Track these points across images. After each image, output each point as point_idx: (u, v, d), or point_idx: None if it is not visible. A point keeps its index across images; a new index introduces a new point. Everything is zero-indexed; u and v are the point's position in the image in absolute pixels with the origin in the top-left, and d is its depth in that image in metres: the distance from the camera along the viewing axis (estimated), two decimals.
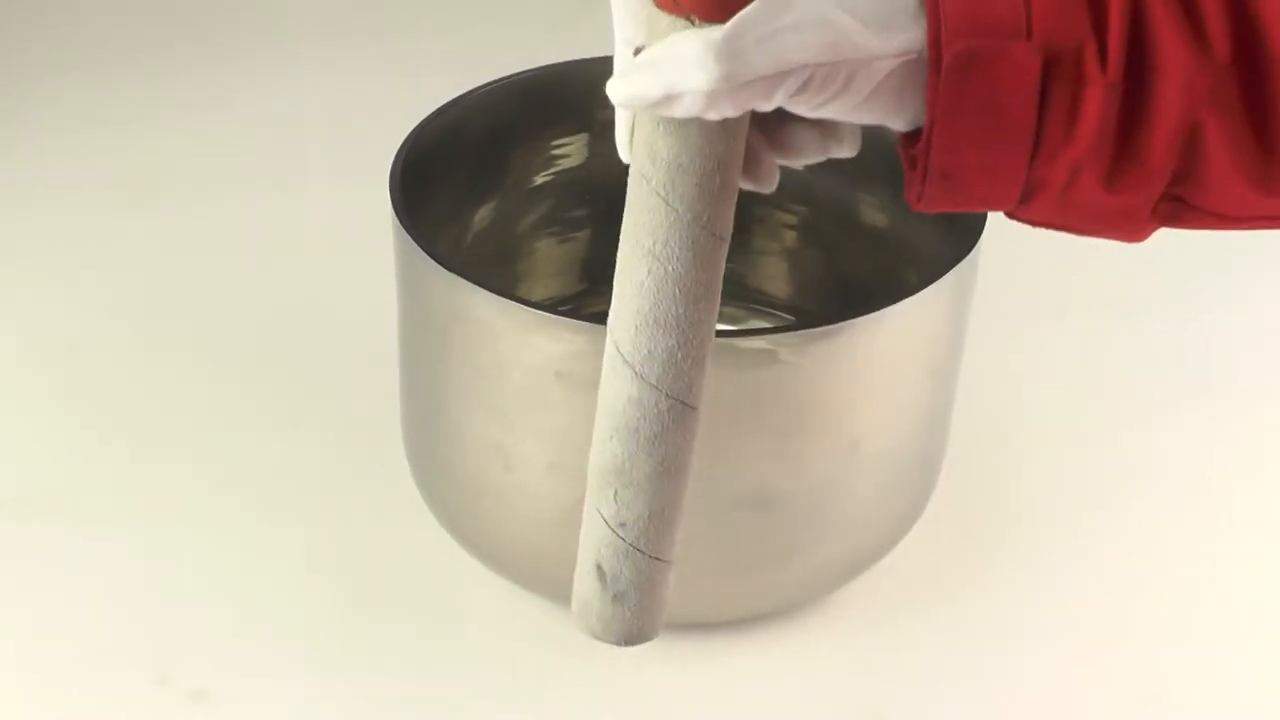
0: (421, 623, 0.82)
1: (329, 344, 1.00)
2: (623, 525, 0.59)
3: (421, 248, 0.73)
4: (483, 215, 0.89)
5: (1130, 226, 0.56)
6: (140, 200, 1.15)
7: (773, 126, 0.56)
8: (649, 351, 0.56)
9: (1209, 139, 0.53)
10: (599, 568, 0.60)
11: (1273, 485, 0.94)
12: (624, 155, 0.57)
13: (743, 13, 0.51)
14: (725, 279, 0.93)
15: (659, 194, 0.55)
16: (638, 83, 0.52)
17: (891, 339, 0.73)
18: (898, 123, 0.54)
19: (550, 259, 0.93)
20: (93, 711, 0.77)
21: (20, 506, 0.88)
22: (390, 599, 0.83)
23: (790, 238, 0.93)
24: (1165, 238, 1.22)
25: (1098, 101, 0.52)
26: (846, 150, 0.57)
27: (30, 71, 1.29)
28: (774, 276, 0.95)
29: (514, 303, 0.70)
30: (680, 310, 0.56)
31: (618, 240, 0.92)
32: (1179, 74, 0.52)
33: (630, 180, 0.56)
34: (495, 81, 0.85)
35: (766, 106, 0.52)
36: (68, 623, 0.82)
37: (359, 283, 0.93)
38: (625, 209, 0.56)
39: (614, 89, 0.52)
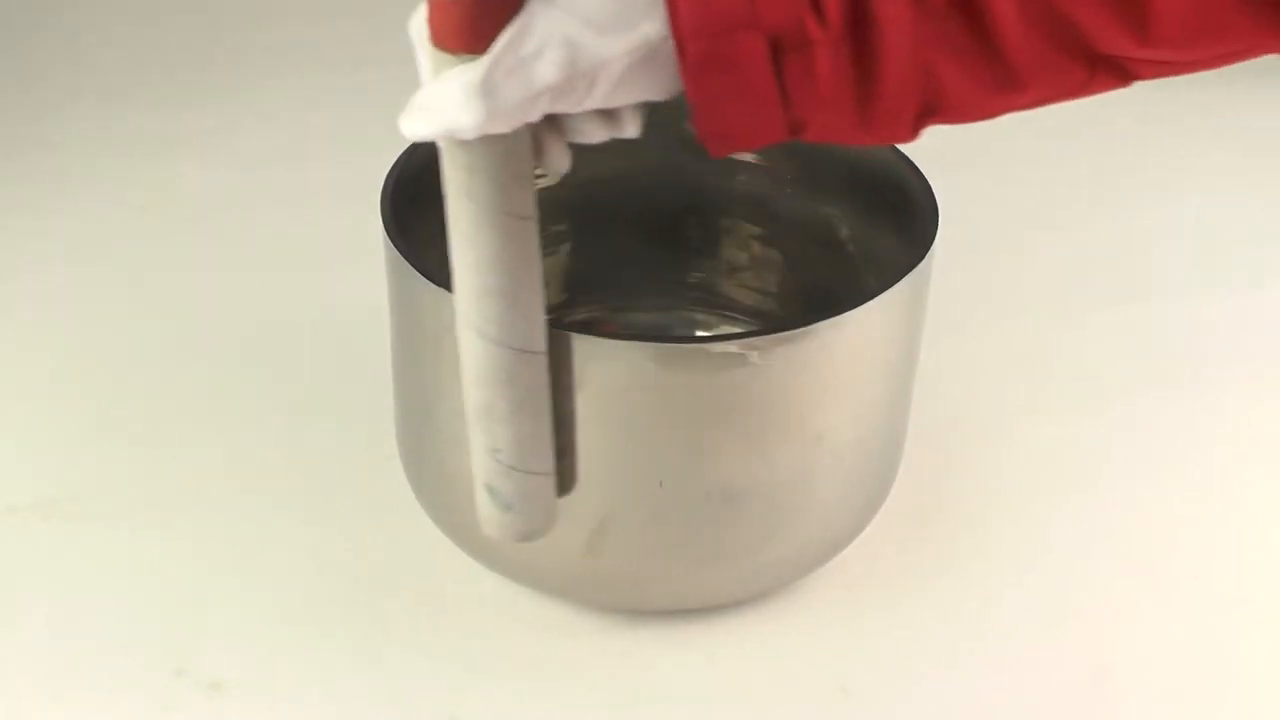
0: (419, 614, 0.82)
1: (329, 354, 0.99)
2: (497, 451, 0.66)
3: (411, 264, 0.72)
4: None
5: (895, 139, 0.60)
6: (151, 219, 1.14)
7: (559, 117, 0.60)
8: (483, 314, 0.63)
9: (944, 75, 0.57)
10: (488, 486, 0.68)
11: (1220, 469, 0.94)
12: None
13: (491, 53, 0.55)
14: (698, 287, 0.95)
15: (462, 194, 0.61)
16: (418, 124, 0.57)
17: (853, 341, 0.73)
18: (655, 97, 0.58)
19: None
20: (113, 702, 0.77)
21: (42, 509, 0.88)
22: (390, 593, 0.83)
23: (757, 248, 0.93)
24: (1106, 236, 1.23)
25: (827, 57, 0.56)
26: (629, 131, 0.60)
27: (52, 102, 1.29)
28: (742, 285, 0.94)
29: None
30: (500, 280, 0.62)
31: (595, 254, 0.93)
32: (899, 25, 0.56)
33: (444, 183, 0.62)
34: None
35: (532, 119, 0.57)
36: (89, 617, 0.81)
37: (355, 296, 0.92)
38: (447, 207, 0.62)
39: (403, 127, 0.57)
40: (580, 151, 0.89)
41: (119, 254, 1.10)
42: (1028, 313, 1.07)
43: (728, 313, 0.95)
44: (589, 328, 0.91)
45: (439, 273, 0.72)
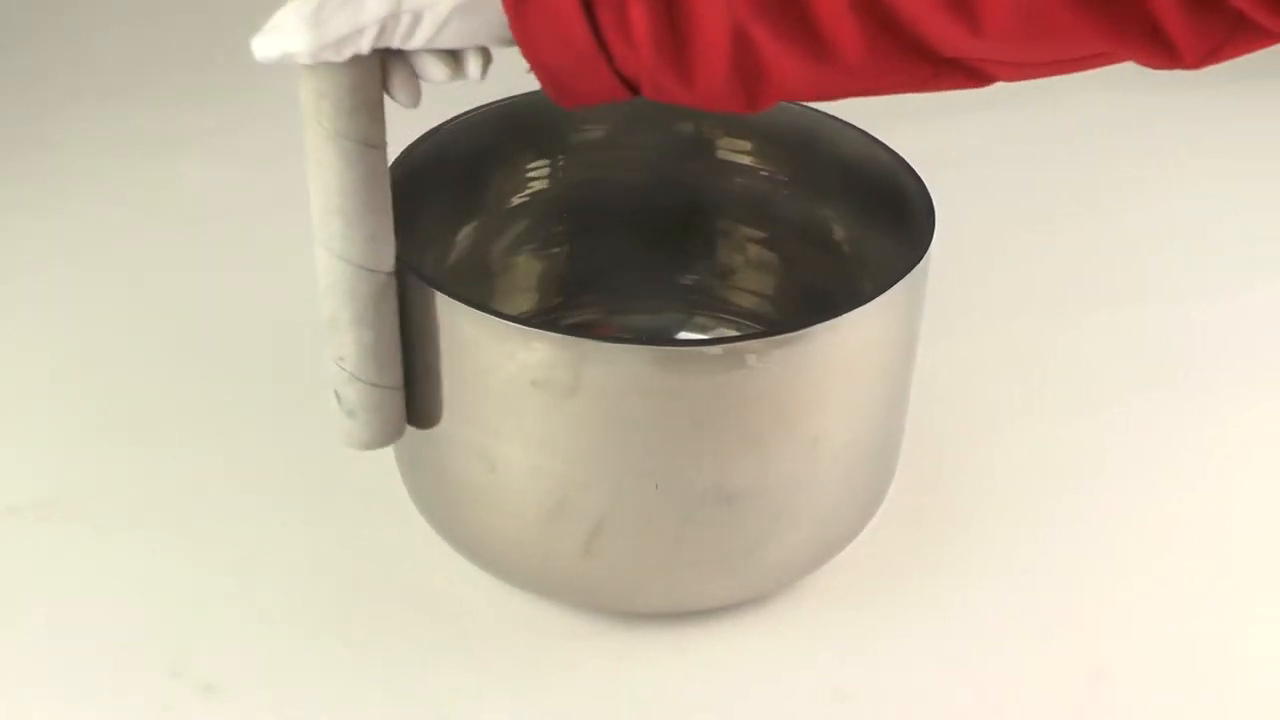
0: (414, 616, 0.81)
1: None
2: (341, 359, 0.71)
3: (407, 265, 0.72)
4: (465, 234, 0.88)
5: (730, 108, 0.62)
6: (151, 219, 1.14)
7: (408, 54, 0.64)
8: (329, 232, 0.68)
9: (761, 43, 0.59)
10: (335, 392, 0.73)
11: (1216, 470, 0.93)
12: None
13: None
14: (695, 290, 0.94)
15: (311, 117, 0.66)
16: (262, 47, 0.62)
17: (849, 343, 0.72)
18: (488, 42, 0.63)
19: (529, 274, 0.93)
20: (109, 703, 0.76)
21: (41, 509, 0.87)
22: (385, 595, 0.82)
23: (754, 251, 0.92)
24: (1101, 238, 1.22)
25: (643, 13, 0.59)
26: (471, 73, 0.64)
27: (52, 102, 1.29)
28: (739, 287, 0.94)
29: (491, 316, 0.69)
30: (341, 200, 0.67)
31: (593, 257, 0.92)
32: None
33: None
34: (475, 110, 0.85)
35: (362, 51, 0.62)
36: (86, 618, 0.81)
37: None
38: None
39: (252, 48, 0.62)
40: (578, 155, 0.90)
41: (119, 254, 1.10)
42: (1024, 314, 1.06)
43: (724, 315, 0.94)
44: (586, 330, 0.92)
45: (435, 274, 0.72)
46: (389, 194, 0.69)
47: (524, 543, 0.76)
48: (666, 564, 0.75)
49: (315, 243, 0.69)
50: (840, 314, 0.70)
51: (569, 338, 0.69)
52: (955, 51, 0.58)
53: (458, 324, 0.70)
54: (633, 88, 0.62)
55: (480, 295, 0.87)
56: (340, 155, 0.66)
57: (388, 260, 0.70)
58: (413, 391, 0.73)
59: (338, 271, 0.69)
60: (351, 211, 0.68)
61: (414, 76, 0.65)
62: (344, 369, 0.71)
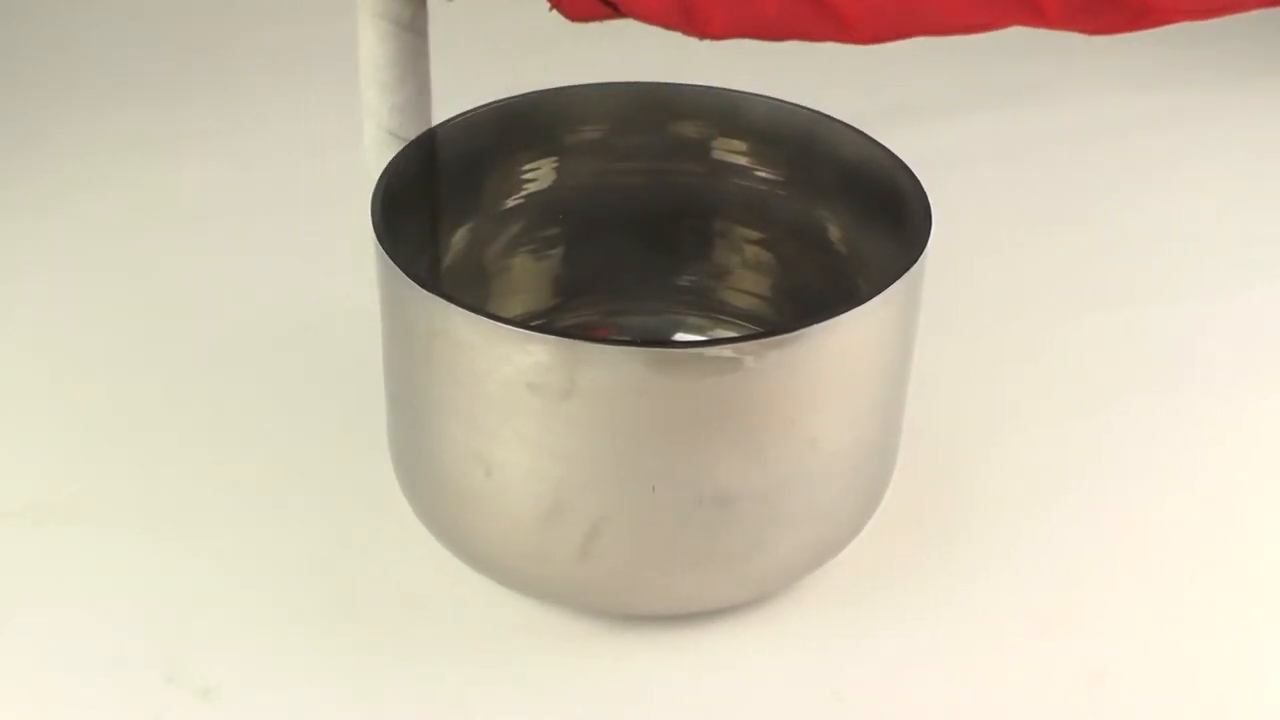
0: (412, 620, 0.81)
1: (328, 357, 0.98)
2: None
3: (401, 269, 0.71)
4: (460, 236, 0.88)
5: (681, 28, 0.67)
6: (151, 219, 1.14)
7: None
8: (367, 99, 0.81)
9: None
10: None
11: (1216, 471, 0.93)
12: None
13: None
14: (691, 291, 0.94)
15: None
16: None
17: (846, 344, 0.72)
18: None
19: (525, 276, 0.92)
20: (104, 708, 0.76)
21: (36, 512, 0.87)
22: (382, 598, 0.82)
23: (750, 251, 0.92)
24: (1099, 238, 1.22)
25: None
26: None
27: (52, 102, 1.29)
28: (735, 288, 0.93)
29: (486, 319, 0.69)
30: (376, 73, 0.80)
31: (589, 258, 0.92)
32: None
33: None
34: (469, 112, 0.84)
35: None
36: (80, 622, 0.80)
37: (354, 299, 0.91)
38: None
39: None
40: (574, 156, 0.90)
41: (119, 254, 1.09)
42: (1022, 314, 1.06)
43: (721, 316, 0.94)
44: (583, 332, 0.92)
45: (429, 278, 0.72)
46: (425, 71, 0.80)
47: (521, 546, 0.75)
48: (664, 566, 0.75)
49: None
50: (837, 315, 0.70)
51: (565, 340, 0.68)
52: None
53: (453, 327, 0.69)
54: (612, 4, 0.67)
55: (476, 298, 0.87)
56: (374, 32, 0.79)
57: (416, 130, 0.81)
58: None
59: (374, 135, 0.81)
60: (382, 83, 0.80)
61: None
62: None
